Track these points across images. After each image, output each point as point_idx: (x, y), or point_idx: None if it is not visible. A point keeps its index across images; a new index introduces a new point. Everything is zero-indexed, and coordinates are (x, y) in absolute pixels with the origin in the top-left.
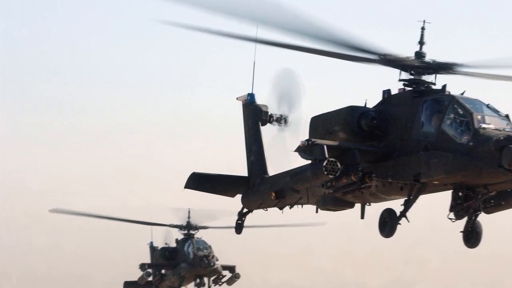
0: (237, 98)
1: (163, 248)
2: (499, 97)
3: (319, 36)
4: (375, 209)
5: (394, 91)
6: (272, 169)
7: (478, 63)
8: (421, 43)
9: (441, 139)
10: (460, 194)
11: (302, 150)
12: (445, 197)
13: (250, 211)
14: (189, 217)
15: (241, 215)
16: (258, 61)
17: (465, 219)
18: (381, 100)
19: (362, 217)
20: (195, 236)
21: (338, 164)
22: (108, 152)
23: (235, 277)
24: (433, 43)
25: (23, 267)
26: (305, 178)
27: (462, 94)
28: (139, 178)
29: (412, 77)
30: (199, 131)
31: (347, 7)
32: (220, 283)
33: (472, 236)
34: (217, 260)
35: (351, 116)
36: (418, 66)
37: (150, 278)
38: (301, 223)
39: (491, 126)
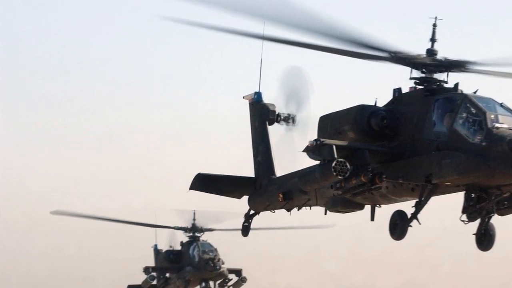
0: (243, 97)
1: (167, 251)
2: None
3: (328, 33)
4: (385, 211)
5: (405, 90)
6: (280, 170)
7: (491, 61)
8: (433, 40)
9: (453, 139)
10: (473, 195)
11: (311, 150)
12: (458, 198)
13: (257, 213)
14: (194, 219)
15: (248, 217)
16: (265, 59)
17: (477, 221)
18: (392, 99)
19: (372, 219)
20: (201, 238)
21: (348, 164)
22: (111, 152)
23: (241, 280)
24: (445, 40)
25: (24, 270)
26: (313, 179)
27: (475, 92)
28: (143, 179)
29: (423, 75)
30: (205, 130)
31: (356, 3)
32: (226, 287)
33: (485, 239)
34: (223, 263)
35: (360, 115)
36: (429, 64)
37: (154, 282)
38: (310, 225)
39: (505, 126)
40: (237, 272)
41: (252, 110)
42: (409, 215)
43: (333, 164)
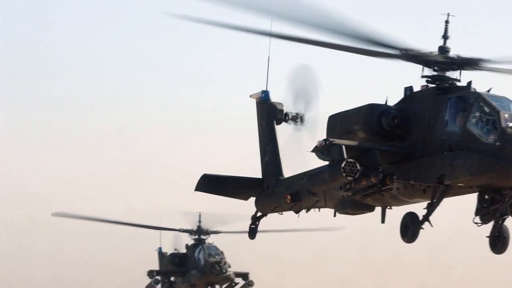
0: (250, 96)
1: (172, 254)
2: None
3: (337, 30)
4: (396, 213)
5: (416, 88)
6: (288, 171)
7: (505, 58)
8: (445, 37)
9: (466, 138)
10: (486, 197)
11: (319, 150)
12: (470, 200)
13: (264, 215)
14: (199, 221)
15: (255, 219)
16: (273, 57)
17: (491, 224)
18: (403, 98)
19: (383, 221)
20: (206, 241)
21: (357, 165)
22: (114, 152)
23: (248, 284)
24: (458, 38)
25: (24, 274)
26: (322, 180)
27: (488, 91)
28: (147, 180)
29: (435, 73)
30: (211, 130)
31: None
32: None
33: (499, 242)
34: (229, 266)
35: (371, 115)
36: (442, 62)
37: (159, 286)
38: (318, 228)
39: None
40: (244, 276)
41: (259, 109)
42: (420, 217)
43: (343, 165)
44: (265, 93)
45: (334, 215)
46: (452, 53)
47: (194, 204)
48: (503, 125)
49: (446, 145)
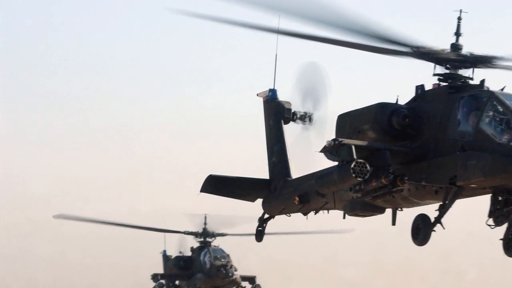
0: (257, 95)
1: (177, 257)
2: None
3: (347, 26)
4: (407, 215)
5: (428, 87)
6: (296, 171)
7: None
8: (458, 34)
9: (479, 138)
10: (500, 198)
11: (328, 150)
12: (484, 201)
13: (271, 217)
14: (205, 224)
15: (262, 221)
16: (281, 54)
17: (505, 226)
18: (414, 97)
19: (394, 223)
20: (212, 244)
21: (367, 165)
22: (117, 152)
23: None
24: (471, 35)
25: (25, 278)
26: (331, 181)
27: (502, 89)
28: (151, 181)
29: (447, 71)
30: (216, 130)
31: None
32: None
33: None
34: (236, 270)
35: (381, 114)
36: (454, 60)
37: None
38: (327, 230)
39: None
40: (251, 280)
41: (266, 108)
42: (432, 219)
43: (352, 165)
44: (273, 92)
45: (344, 217)
46: (465, 50)
47: (200, 205)
48: None
49: (458, 145)
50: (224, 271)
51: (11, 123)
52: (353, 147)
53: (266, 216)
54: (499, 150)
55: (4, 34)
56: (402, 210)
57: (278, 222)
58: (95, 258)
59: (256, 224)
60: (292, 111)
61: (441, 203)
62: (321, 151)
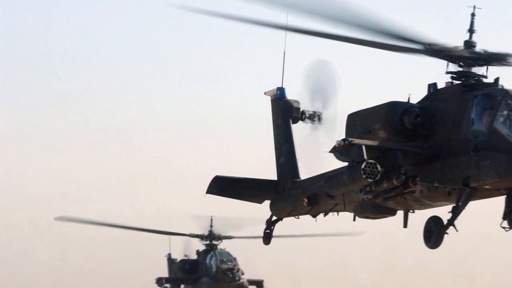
0: (265, 93)
1: (182, 261)
2: None
3: (357, 23)
4: (419, 217)
5: (440, 85)
6: (304, 172)
7: None
8: (471, 31)
9: (494, 138)
10: None
11: (338, 150)
12: (498, 203)
13: (279, 219)
14: (211, 226)
15: (270, 224)
16: (289, 52)
17: None
18: (426, 95)
19: (405, 225)
20: (218, 247)
21: (378, 166)
22: (120, 153)
23: None
24: (485, 31)
25: (25, 281)
26: (341, 182)
27: None
28: (156, 182)
29: (461, 69)
30: (223, 129)
31: None
32: None
33: None
34: (242, 273)
35: (392, 113)
36: (467, 57)
37: None
38: (337, 233)
39: None
40: (258, 284)
41: (274, 107)
42: (445, 222)
43: (363, 166)
44: (281, 90)
45: (354, 219)
46: (479, 47)
47: (206, 207)
48: None
49: (472, 145)
50: (230, 275)
51: (11, 122)
52: (363, 147)
53: (274, 218)
54: None
55: (4, 32)
56: (414, 212)
57: (286, 224)
58: (97, 261)
59: (264, 226)
60: (301, 110)
61: (454, 205)
62: (330, 152)
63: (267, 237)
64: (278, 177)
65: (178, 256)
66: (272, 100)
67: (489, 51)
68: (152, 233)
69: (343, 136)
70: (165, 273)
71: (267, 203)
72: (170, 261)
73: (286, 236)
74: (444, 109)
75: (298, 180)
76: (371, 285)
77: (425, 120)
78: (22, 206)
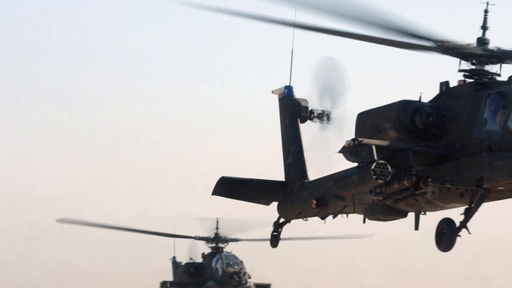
0: (272, 92)
1: (187, 264)
2: None
3: (367, 19)
4: (431, 219)
5: (453, 83)
6: (313, 173)
7: None
8: (484, 28)
9: (507, 138)
10: None
11: (347, 151)
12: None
13: (287, 221)
14: (217, 228)
15: (277, 226)
16: (297, 49)
17: None
18: (438, 94)
19: (416, 228)
20: (224, 250)
21: (389, 167)
22: (124, 153)
23: None
24: (498, 28)
25: (27, 285)
26: (350, 183)
27: None
28: (160, 183)
29: (473, 67)
30: (229, 129)
31: None
32: None
33: None
34: (249, 277)
35: (403, 112)
36: (480, 55)
37: None
38: (346, 235)
39: None
40: (266, 287)
41: (282, 106)
42: (457, 224)
43: (373, 167)
44: (289, 89)
45: (364, 222)
46: (492, 45)
47: (211, 209)
48: None
49: (485, 145)
50: (237, 279)
51: (12, 120)
52: (373, 147)
53: (282, 220)
54: None
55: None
56: (425, 214)
57: (294, 227)
58: (100, 264)
59: (271, 228)
60: (309, 109)
61: (466, 206)
62: (339, 152)
63: (274, 240)
64: (285, 178)
65: (183, 259)
66: (279, 99)
67: (503, 48)
68: (156, 236)
69: (353, 136)
70: (169, 277)
71: (274, 204)
72: (175, 264)
73: (294, 239)
74: (456, 108)
75: (306, 181)
76: None
77: (437, 120)
78: (23, 208)
